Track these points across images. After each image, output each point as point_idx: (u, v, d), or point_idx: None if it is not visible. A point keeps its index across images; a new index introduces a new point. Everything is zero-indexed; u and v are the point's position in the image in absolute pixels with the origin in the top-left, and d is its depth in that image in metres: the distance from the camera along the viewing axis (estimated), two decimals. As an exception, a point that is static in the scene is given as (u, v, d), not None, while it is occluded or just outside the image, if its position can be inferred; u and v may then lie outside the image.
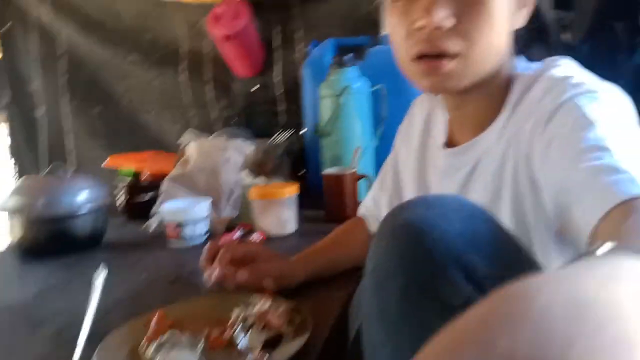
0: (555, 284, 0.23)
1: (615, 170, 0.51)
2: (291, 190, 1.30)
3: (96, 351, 0.68)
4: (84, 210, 1.26)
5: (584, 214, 0.50)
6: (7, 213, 1.24)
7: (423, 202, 0.54)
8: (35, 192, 1.24)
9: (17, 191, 1.25)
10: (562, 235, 0.58)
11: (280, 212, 1.28)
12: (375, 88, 1.52)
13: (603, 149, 0.53)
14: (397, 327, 0.51)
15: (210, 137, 1.59)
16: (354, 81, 1.49)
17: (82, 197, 1.27)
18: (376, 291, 0.53)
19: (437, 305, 0.49)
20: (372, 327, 0.54)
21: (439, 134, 0.84)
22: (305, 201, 1.51)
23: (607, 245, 0.30)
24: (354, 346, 0.81)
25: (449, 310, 0.49)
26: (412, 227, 0.51)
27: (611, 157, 0.52)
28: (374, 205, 1.03)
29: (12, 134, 2.37)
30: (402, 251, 0.51)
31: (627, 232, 0.40)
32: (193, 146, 1.44)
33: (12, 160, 2.38)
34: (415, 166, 0.89)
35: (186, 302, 0.83)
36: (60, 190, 1.25)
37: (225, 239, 1.25)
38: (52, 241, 1.23)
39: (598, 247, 0.31)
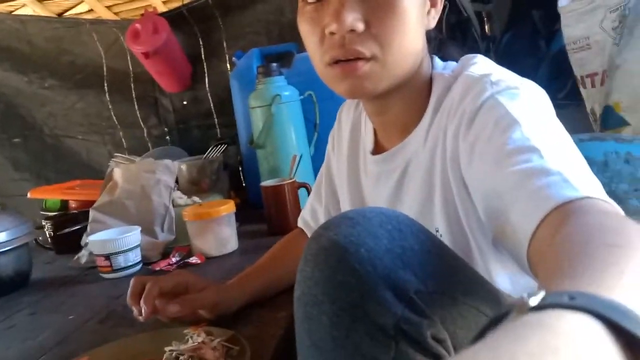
0: None
1: (546, 172, 0.48)
2: (228, 208, 1.24)
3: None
4: (3, 250, 1.16)
5: (519, 222, 0.48)
6: None
7: (346, 220, 0.51)
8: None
9: None
10: (499, 242, 0.56)
11: (218, 231, 1.23)
12: (305, 95, 1.49)
13: (530, 149, 0.51)
14: (332, 355, 0.48)
15: (138, 159, 1.51)
16: (282, 89, 1.46)
17: (1, 235, 1.17)
18: (305, 320, 0.50)
19: (369, 327, 0.46)
20: (307, 357, 0.51)
21: (367, 140, 0.82)
22: (247, 216, 1.46)
23: (541, 297, 0.26)
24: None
25: (381, 331, 0.46)
26: (336, 248, 0.48)
27: (540, 158, 0.50)
28: (311, 216, 1.00)
29: None
30: (327, 277, 0.48)
31: (562, 252, 0.37)
32: (119, 171, 1.37)
33: None
34: (347, 174, 0.87)
35: (115, 344, 0.77)
36: (-25, 230, 1.16)
37: (161, 265, 1.19)
38: (-31, 288, 1.14)
39: (529, 300, 0.26)
